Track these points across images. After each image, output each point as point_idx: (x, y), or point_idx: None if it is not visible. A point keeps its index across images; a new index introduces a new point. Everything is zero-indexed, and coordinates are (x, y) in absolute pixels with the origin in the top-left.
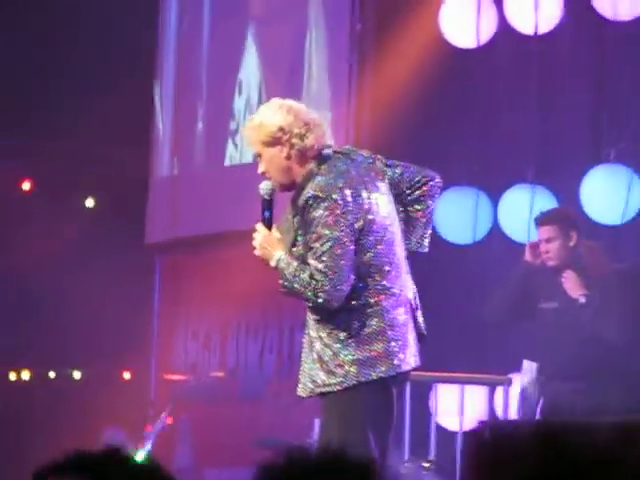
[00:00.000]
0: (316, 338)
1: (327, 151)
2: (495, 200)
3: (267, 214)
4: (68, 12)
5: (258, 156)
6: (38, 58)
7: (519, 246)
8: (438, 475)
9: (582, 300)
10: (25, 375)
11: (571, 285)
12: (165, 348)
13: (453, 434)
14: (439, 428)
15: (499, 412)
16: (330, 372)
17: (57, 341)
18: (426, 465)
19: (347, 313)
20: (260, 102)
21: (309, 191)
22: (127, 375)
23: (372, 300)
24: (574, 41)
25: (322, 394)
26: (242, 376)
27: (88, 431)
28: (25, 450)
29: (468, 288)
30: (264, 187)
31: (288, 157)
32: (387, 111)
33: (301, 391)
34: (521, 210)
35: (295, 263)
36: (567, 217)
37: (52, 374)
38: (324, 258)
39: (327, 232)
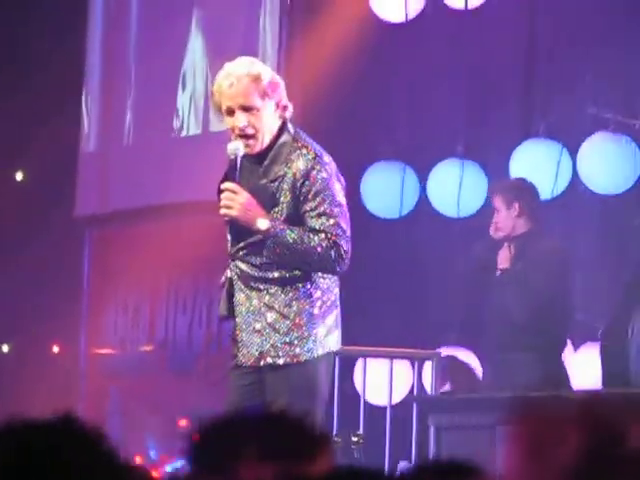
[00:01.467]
0: (268, 308)
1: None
2: (424, 175)
3: (237, 176)
4: None
5: (247, 109)
6: None
7: (448, 220)
8: (366, 449)
9: (497, 273)
10: None
11: (501, 257)
12: (94, 322)
13: (379, 408)
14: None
15: (427, 387)
16: (287, 343)
17: None
18: (355, 439)
19: (314, 285)
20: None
21: (312, 157)
22: (56, 349)
23: (332, 275)
24: (504, 14)
25: (271, 365)
26: (171, 349)
27: (18, 404)
28: None
29: (395, 262)
30: (233, 148)
31: (277, 115)
32: (315, 86)
33: (244, 358)
34: (450, 184)
35: (297, 228)
36: (512, 188)
37: None
38: (342, 228)
39: (339, 207)
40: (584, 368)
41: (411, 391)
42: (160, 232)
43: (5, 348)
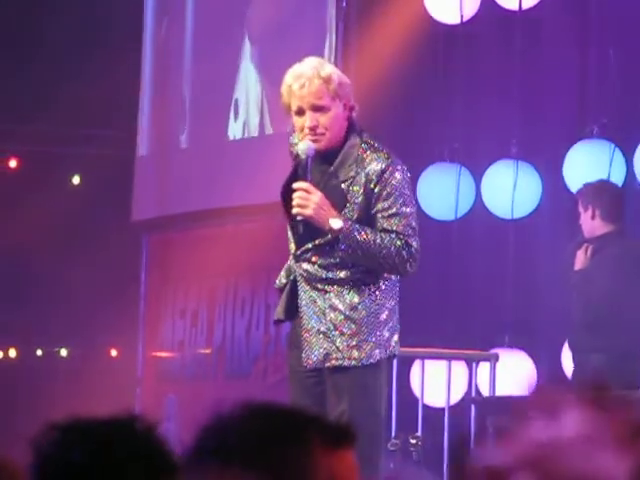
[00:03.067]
0: (333, 309)
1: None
2: (478, 176)
3: (309, 175)
4: None
5: (317, 109)
6: (19, 37)
7: (502, 222)
8: (424, 451)
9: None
10: (12, 353)
11: (577, 259)
12: (152, 325)
13: (434, 410)
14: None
15: (483, 388)
16: (352, 346)
17: (44, 319)
18: (413, 441)
19: (380, 288)
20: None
21: (386, 159)
22: (114, 353)
23: (394, 278)
24: (558, 16)
25: (337, 367)
26: (229, 353)
27: (75, 409)
28: (11, 429)
29: (450, 263)
30: (305, 147)
31: (345, 116)
32: (370, 89)
33: (308, 360)
34: (504, 186)
35: (368, 229)
36: (588, 190)
37: (39, 352)
38: (414, 229)
39: (411, 207)
40: None
41: (466, 393)
42: (218, 235)
43: (64, 352)
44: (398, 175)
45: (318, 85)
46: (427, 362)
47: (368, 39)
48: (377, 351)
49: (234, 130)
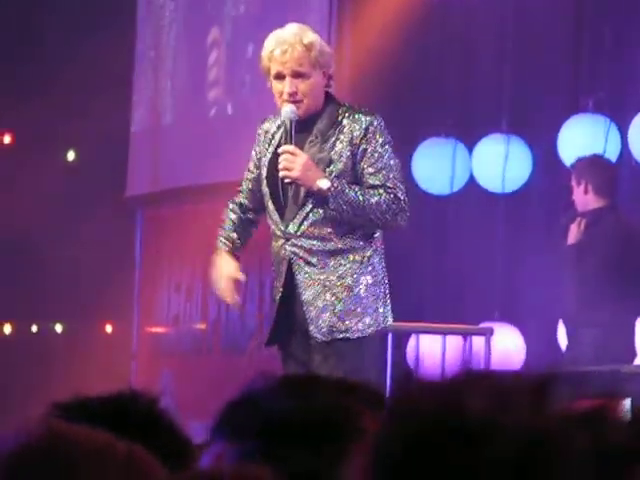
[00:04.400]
0: (332, 282)
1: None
2: (471, 151)
3: (292, 139)
4: None
5: (297, 76)
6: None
7: (493, 196)
8: None
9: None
10: (7, 329)
11: (571, 232)
12: (147, 301)
13: None
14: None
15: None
16: (356, 319)
17: (39, 295)
18: None
19: (377, 256)
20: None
21: (366, 117)
22: (109, 328)
23: (381, 249)
24: None
25: (338, 339)
26: (224, 328)
27: (71, 384)
28: (8, 403)
29: (444, 239)
30: (288, 111)
31: (324, 84)
32: (365, 63)
33: (315, 336)
34: (495, 160)
35: (356, 186)
36: (581, 165)
37: (34, 328)
38: (400, 181)
39: (394, 160)
40: None
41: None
42: (212, 210)
43: (59, 328)
44: (379, 130)
45: (300, 52)
46: (420, 336)
47: (361, 17)
48: (375, 323)
49: (231, 104)
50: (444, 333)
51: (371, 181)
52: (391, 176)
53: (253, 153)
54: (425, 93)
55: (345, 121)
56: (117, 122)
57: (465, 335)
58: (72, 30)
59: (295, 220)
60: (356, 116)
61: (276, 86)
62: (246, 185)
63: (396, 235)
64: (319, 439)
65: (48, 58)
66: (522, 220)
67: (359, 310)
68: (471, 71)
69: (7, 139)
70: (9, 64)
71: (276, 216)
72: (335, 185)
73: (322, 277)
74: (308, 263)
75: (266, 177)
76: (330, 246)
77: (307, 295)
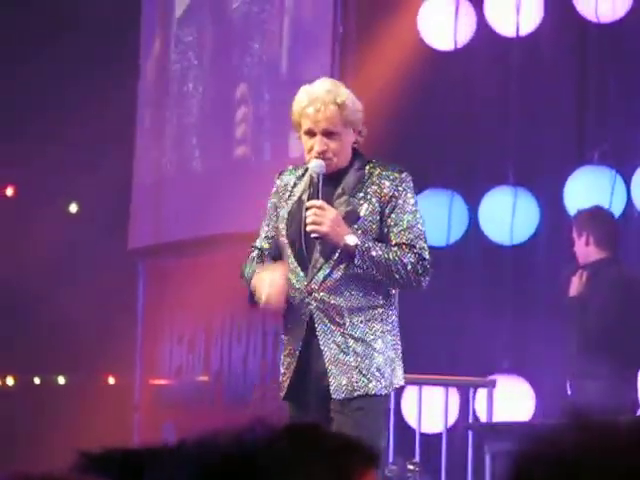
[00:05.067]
0: (355, 339)
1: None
2: (474, 202)
3: (320, 195)
4: (51, 13)
5: (329, 134)
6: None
7: (499, 248)
8: (421, 477)
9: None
10: (10, 381)
11: (572, 284)
12: (149, 353)
13: (428, 436)
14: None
15: (481, 415)
16: (375, 376)
17: (41, 347)
18: (411, 467)
19: (395, 315)
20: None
21: (395, 174)
22: (112, 380)
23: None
24: (556, 42)
25: (358, 397)
26: (226, 380)
27: (74, 435)
28: (10, 456)
29: (443, 290)
30: (316, 165)
31: (353, 141)
32: (367, 114)
33: (337, 393)
34: (502, 212)
35: (383, 245)
36: (582, 217)
37: (37, 380)
38: (425, 238)
39: (422, 220)
40: None
41: (459, 419)
42: (214, 262)
43: (61, 380)
44: (409, 187)
45: (333, 111)
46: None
47: (364, 66)
48: (391, 384)
49: (231, 156)
50: (446, 385)
51: (397, 239)
52: (417, 235)
53: (270, 204)
54: (427, 144)
55: (374, 176)
56: (119, 174)
57: (467, 387)
58: (74, 80)
59: (319, 275)
60: (385, 173)
61: (307, 142)
62: (265, 233)
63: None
64: None
65: (49, 109)
66: (529, 271)
67: (380, 369)
68: (475, 123)
69: (9, 191)
70: (9, 117)
71: (299, 269)
72: (362, 241)
73: (344, 334)
74: (331, 319)
75: (286, 230)
76: (353, 302)
77: (328, 352)
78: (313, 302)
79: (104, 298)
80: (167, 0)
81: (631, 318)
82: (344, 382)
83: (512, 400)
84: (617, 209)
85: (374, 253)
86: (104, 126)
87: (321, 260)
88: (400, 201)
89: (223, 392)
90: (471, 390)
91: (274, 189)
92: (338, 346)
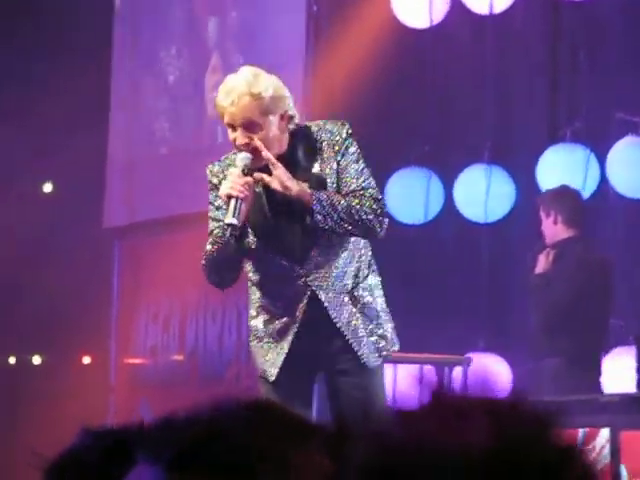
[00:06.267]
0: (362, 304)
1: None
2: (450, 180)
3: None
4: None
5: (249, 126)
6: None
7: (475, 226)
8: None
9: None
10: None
11: (539, 262)
12: (125, 332)
13: None
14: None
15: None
16: (382, 336)
17: (16, 327)
18: None
19: (378, 284)
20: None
21: (334, 125)
22: (87, 359)
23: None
24: (529, 20)
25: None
26: (201, 359)
27: (50, 415)
28: None
29: (420, 267)
30: (243, 159)
31: (282, 127)
32: (342, 92)
33: (368, 357)
34: (477, 190)
35: (338, 193)
36: (550, 196)
37: (12, 359)
38: (375, 188)
39: (367, 168)
40: (616, 372)
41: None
42: (188, 241)
43: (37, 360)
44: (349, 136)
45: (248, 102)
46: (398, 366)
47: (338, 44)
48: (394, 343)
49: (204, 135)
50: (421, 363)
51: (349, 187)
52: (367, 179)
53: (214, 200)
54: (402, 123)
55: (323, 137)
56: (94, 154)
57: (443, 365)
58: (50, 61)
59: (307, 256)
60: (326, 127)
61: (230, 134)
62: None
63: (381, 264)
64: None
65: (20, 90)
66: (505, 250)
67: (384, 332)
68: (450, 101)
69: None
70: None
71: (278, 259)
72: (315, 193)
73: (348, 302)
74: (333, 290)
75: (253, 225)
76: (342, 267)
77: (341, 322)
78: (312, 282)
79: (79, 277)
80: None
81: (595, 297)
82: (368, 347)
83: (488, 378)
84: (590, 187)
85: (332, 199)
86: (77, 104)
87: (301, 242)
88: (343, 149)
89: (198, 370)
90: (446, 368)
91: (210, 184)
92: (347, 316)
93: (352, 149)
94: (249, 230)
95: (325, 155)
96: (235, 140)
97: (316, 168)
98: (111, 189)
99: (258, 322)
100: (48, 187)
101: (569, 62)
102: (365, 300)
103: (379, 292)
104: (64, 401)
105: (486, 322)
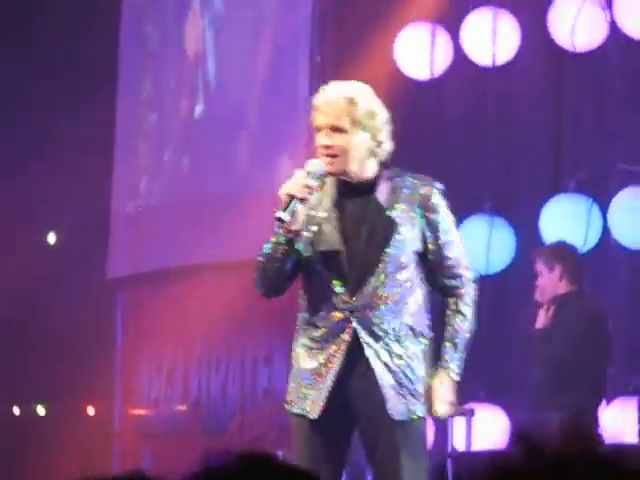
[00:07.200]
0: (401, 358)
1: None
2: None
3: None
4: (23, 44)
5: (335, 130)
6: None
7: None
8: None
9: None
10: None
11: (539, 317)
12: (128, 383)
13: None
14: None
15: (459, 444)
16: (417, 396)
17: (21, 376)
18: None
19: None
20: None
21: (424, 182)
22: (91, 410)
23: None
24: (532, 71)
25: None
26: (205, 409)
27: (54, 465)
28: None
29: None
30: (314, 164)
31: (370, 150)
32: None
33: (394, 411)
34: (479, 240)
35: (451, 334)
36: (553, 251)
37: (16, 410)
38: (466, 258)
39: (457, 233)
40: (617, 422)
41: (433, 447)
42: (192, 292)
43: (41, 410)
44: (442, 200)
45: (340, 104)
46: None
47: None
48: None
49: (209, 185)
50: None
51: (440, 268)
52: (458, 257)
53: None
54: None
55: (407, 185)
56: (98, 203)
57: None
58: (50, 109)
59: (364, 291)
60: (417, 182)
61: (316, 139)
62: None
63: None
64: None
65: (27, 138)
66: (506, 301)
67: (420, 392)
68: (452, 152)
69: None
70: None
71: (335, 286)
72: (452, 369)
73: (393, 354)
74: (376, 337)
75: (317, 241)
76: (399, 322)
77: (378, 371)
78: (357, 320)
79: (83, 327)
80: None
81: (594, 350)
82: (398, 403)
83: (488, 428)
84: (593, 238)
85: (460, 354)
86: (80, 153)
87: (365, 272)
88: (438, 211)
89: (201, 421)
90: (449, 419)
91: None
92: (386, 368)
93: (443, 211)
94: (304, 238)
95: (405, 205)
96: (318, 145)
97: (393, 214)
98: (115, 240)
99: (300, 350)
100: (52, 238)
101: (573, 112)
102: (406, 359)
103: (422, 368)
104: (68, 451)
105: (487, 373)
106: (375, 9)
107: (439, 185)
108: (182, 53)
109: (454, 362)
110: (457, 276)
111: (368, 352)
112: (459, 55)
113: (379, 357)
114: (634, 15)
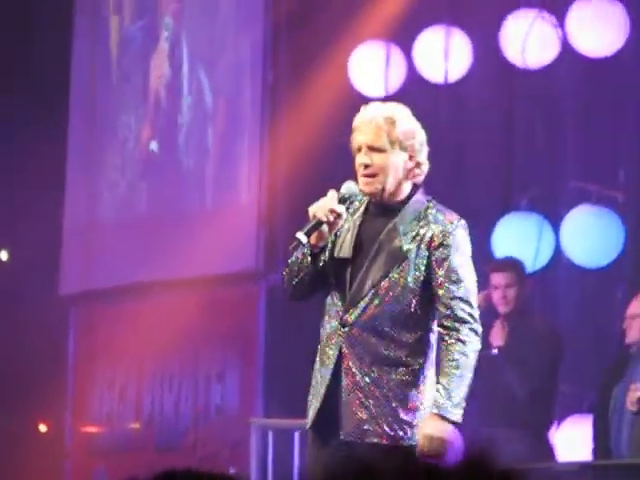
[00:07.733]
0: (391, 382)
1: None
2: None
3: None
4: None
5: (373, 150)
6: None
7: None
8: None
9: (493, 351)
10: None
11: (495, 334)
12: (81, 399)
13: None
14: None
15: None
16: (406, 424)
17: None
18: None
19: (429, 377)
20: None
21: (448, 220)
22: (43, 428)
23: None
24: (484, 88)
25: (394, 446)
26: (158, 427)
27: None
28: None
29: None
30: (350, 187)
31: (406, 171)
32: (301, 161)
33: (347, 432)
34: None
35: (445, 372)
36: (510, 265)
37: None
38: (470, 299)
39: (473, 275)
40: (569, 441)
41: None
42: (144, 309)
43: None
44: (460, 238)
45: (379, 124)
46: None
47: (295, 113)
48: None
49: (162, 202)
50: None
51: (442, 306)
52: (462, 297)
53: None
54: None
55: (429, 218)
56: (50, 220)
57: None
58: (1, 125)
59: (357, 309)
60: (441, 216)
61: (356, 159)
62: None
63: None
64: None
65: None
66: None
67: (399, 417)
68: None
69: None
70: None
71: (337, 298)
72: (449, 409)
73: (367, 381)
74: (359, 359)
75: (335, 250)
76: (384, 348)
77: (346, 393)
78: (344, 336)
79: (35, 344)
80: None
81: (545, 369)
82: (382, 425)
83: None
84: (545, 256)
85: (462, 391)
86: (33, 170)
87: (361, 292)
88: (446, 252)
89: (154, 439)
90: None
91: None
92: (357, 392)
93: (453, 253)
94: (326, 256)
95: (419, 236)
96: (358, 165)
97: (407, 240)
98: (67, 256)
99: (317, 360)
100: (4, 255)
101: (524, 130)
102: (382, 385)
103: (429, 387)
104: (20, 469)
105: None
106: (329, 28)
107: (463, 223)
108: (145, 85)
109: (450, 400)
110: (457, 319)
111: (345, 368)
112: (412, 72)
113: (353, 375)
114: (585, 33)
